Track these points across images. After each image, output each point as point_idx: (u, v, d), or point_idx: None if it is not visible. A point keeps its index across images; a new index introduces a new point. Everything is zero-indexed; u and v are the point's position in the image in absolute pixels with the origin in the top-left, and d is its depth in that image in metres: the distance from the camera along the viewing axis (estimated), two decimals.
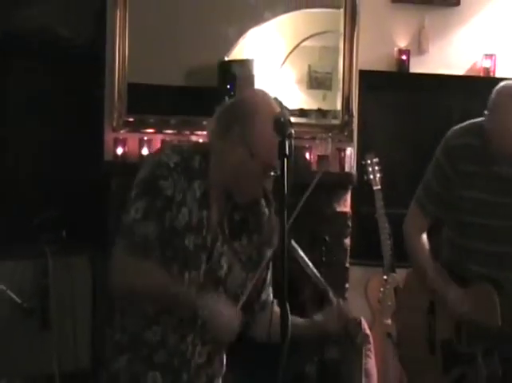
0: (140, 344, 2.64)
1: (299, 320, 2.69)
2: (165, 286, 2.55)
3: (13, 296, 3.73)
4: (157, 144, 4.98)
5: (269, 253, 2.70)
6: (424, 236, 3.46)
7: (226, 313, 2.51)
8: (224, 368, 2.84)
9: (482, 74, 5.40)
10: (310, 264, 2.71)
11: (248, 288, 2.64)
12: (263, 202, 2.72)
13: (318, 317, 2.74)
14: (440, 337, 3.36)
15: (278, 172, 2.46)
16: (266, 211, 2.73)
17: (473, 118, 5.33)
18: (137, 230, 2.56)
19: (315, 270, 2.73)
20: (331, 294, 2.72)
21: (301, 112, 5.33)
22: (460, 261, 3.33)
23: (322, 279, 2.72)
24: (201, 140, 2.81)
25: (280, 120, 2.46)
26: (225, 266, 2.67)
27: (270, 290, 2.82)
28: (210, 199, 2.64)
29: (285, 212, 2.36)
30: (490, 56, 5.40)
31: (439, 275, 3.36)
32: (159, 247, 2.58)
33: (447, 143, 3.37)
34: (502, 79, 5.24)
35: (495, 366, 3.19)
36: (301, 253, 2.68)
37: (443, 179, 3.34)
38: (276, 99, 2.64)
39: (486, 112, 3.25)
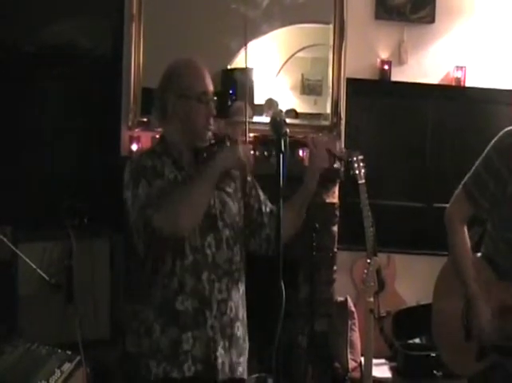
0: (161, 297, 2.67)
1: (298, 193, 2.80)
2: (188, 187, 2.59)
3: (43, 274, 3.75)
4: None
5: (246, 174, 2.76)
6: (465, 228, 3.12)
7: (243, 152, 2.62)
8: (244, 304, 2.83)
9: (453, 83, 5.42)
10: None
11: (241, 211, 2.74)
12: (225, 138, 2.77)
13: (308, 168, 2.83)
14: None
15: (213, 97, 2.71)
16: (227, 142, 2.77)
17: (445, 121, 5.41)
18: (153, 193, 2.58)
19: None
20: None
21: (295, 115, 5.36)
22: (505, 255, 3.02)
23: None
24: None
25: (276, 120, 2.50)
26: (216, 204, 2.72)
27: (268, 202, 2.87)
28: (181, 165, 2.72)
29: (281, 202, 2.40)
30: (460, 67, 5.42)
31: (482, 276, 3.06)
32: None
33: (500, 142, 3.00)
34: (470, 88, 5.39)
35: None
36: None
37: (496, 176, 2.98)
38: (272, 100, 2.70)
39: None
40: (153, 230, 2.55)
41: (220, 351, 2.69)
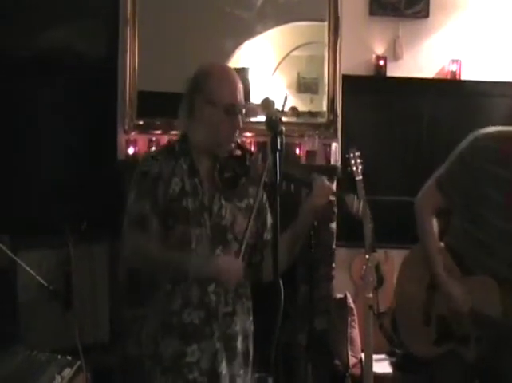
0: (165, 310, 2.65)
1: (291, 227, 2.69)
2: (159, 254, 2.58)
3: (41, 280, 3.72)
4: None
5: (262, 194, 2.71)
6: (434, 219, 3.23)
7: (224, 264, 2.56)
8: (251, 315, 2.80)
9: (449, 77, 5.41)
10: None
11: (248, 230, 2.59)
12: (247, 155, 2.71)
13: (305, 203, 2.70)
14: (437, 312, 3.21)
15: (241, 109, 2.65)
16: (248, 160, 2.71)
17: (441, 115, 5.39)
18: (134, 211, 2.62)
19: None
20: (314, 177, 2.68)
21: (292, 113, 5.34)
22: (470, 250, 3.12)
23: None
24: None
25: (272, 119, 2.47)
26: (228, 216, 2.68)
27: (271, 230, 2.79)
28: (197, 168, 2.68)
29: (278, 200, 2.37)
30: (456, 61, 5.41)
31: (445, 267, 3.16)
32: (157, 219, 2.61)
33: (476, 143, 3.07)
34: (466, 81, 5.37)
35: (484, 351, 3.10)
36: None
37: (468, 175, 3.06)
38: (268, 99, 2.66)
39: None
40: None
41: (224, 363, 2.68)
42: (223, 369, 2.67)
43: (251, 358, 2.82)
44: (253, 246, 2.77)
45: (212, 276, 2.58)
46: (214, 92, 2.65)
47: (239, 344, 2.73)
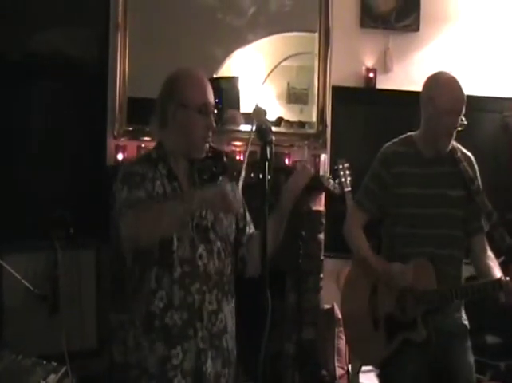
0: (147, 312, 2.64)
1: (273, 215, 2.69)
2: (161, 207, 2.53)
3: (28, 284, 3.72)
4: None
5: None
6: (361, 230, 3.56)
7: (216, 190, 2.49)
8: (234, 316, 2.80)
9: None
10: None
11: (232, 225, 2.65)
12: (223, 153, 2.74)
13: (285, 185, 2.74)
14: (383, 313, 3.42)
15: (213, 109, 2.67)
16: (225, 158, 2.73)
17: None
18: (131, 200, 2.55)
19: None
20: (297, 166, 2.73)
21: (281, 123, 5.35)
22: (401, 246, 3.42)
23: None
24: None
25: (262, 128, 2.48)
26: (208, 215, 2.69)
27: (252, 225, 2.88)
28: (175, 173, 2.70)
29: (267, 209, 2.38)
30: None
31: (379, 258, 3.48)
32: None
33: (381, 153, 3.55)
34: None
35: (431, 328, 3.30)
36: None
37: (380, 182, 3.47)
38: (260, 108, 2.65)
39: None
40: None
41: (209, 362, 2.67)
42: (208, 367, 2.67)
43: (234, 358, 2.82)
44: (236, 241, 2.81)
45: (211, 202, 2.49)
46: (185, 94, 2.68)
47: (224, 342, 2.74)
